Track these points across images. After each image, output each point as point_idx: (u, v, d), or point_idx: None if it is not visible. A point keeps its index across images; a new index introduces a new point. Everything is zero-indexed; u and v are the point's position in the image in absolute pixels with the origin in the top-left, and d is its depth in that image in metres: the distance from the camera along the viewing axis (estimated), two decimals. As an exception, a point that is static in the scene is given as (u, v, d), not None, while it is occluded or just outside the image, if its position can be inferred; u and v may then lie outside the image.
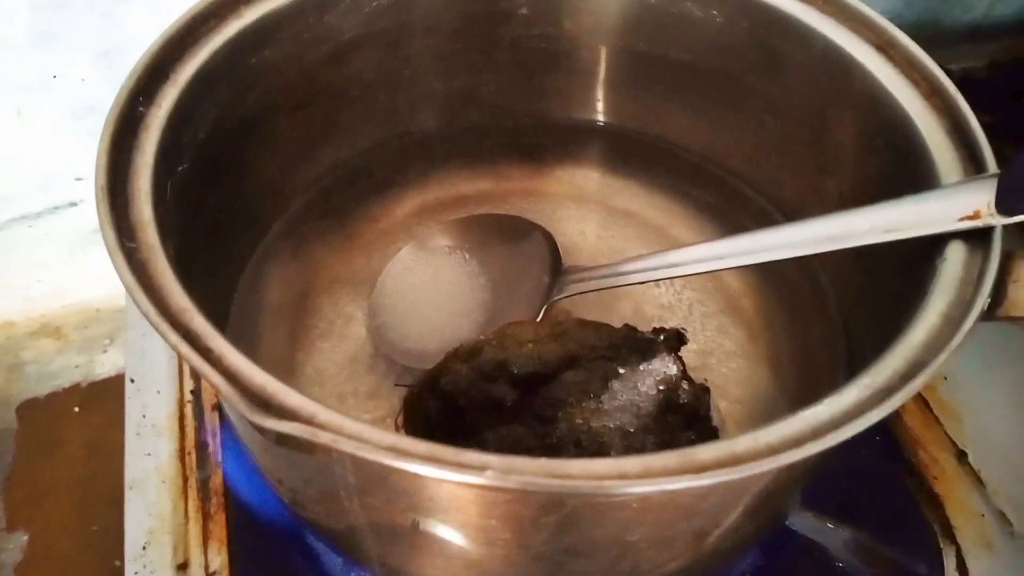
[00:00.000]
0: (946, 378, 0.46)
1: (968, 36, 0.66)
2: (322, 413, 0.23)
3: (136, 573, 0.39)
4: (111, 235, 0.27)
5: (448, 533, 0.27)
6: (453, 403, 0.34)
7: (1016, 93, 0.61)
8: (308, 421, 0.23)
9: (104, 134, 0.30)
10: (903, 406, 0.44)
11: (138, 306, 0.25)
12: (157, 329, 0.25)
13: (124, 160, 0.30)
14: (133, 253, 0.27)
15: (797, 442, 0.23)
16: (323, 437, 0.22)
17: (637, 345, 0.35)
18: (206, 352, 0.25)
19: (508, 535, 0.26)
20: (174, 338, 0.24)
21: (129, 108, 0.31)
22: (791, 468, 0.26)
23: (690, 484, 0.22)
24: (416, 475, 0.24)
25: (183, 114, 0.33)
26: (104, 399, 0.67)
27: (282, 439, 0.23)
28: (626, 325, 0.37)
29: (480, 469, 0.22)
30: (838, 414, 0.24)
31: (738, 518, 0.29)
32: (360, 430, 0.23)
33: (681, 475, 0.22)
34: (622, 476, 0.22)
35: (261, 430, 0.23)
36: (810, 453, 0.23)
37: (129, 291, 0.25)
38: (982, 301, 0.27)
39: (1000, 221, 0.28)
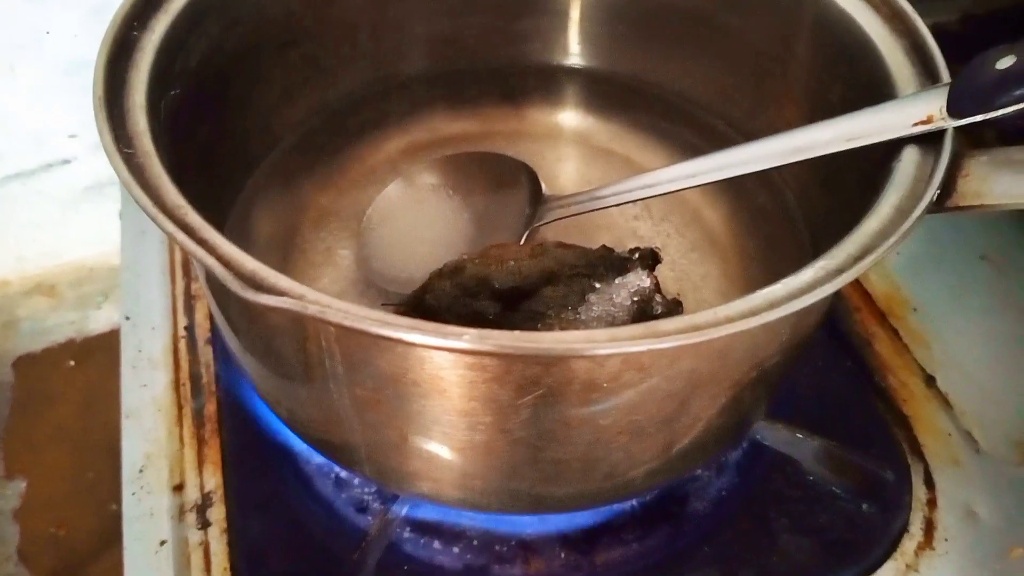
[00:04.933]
0: (916, 309, 0.48)
1: (941, -10, 0.68)
2: (310, 293, 0.25)
3: (134, 494, 0.41)
4: (109, 140, 0.28)
5: (432, 421, 0.29)
6: (437, 318, 0.36)
7: (987, 45, 0.62)
8: (298, 299, 0.24)
9: (101, 51, 0.31)
10: (875, 335, 0.46)
11: (136, 200, 0.26)
12: (155, 220, 0.26)
13: (120, 77, 0.32)
14: (130, 157, 0.28)
15: (754, 312, 0.24)
16: (311, 308, 0.24)
17: (613, 263, 0.37)
18: (201, 242, 0.26)
19: (489, 418, 0.28)
20: (171, 227, 0.26)
21: (124, 30, 0.33)
22: (754, 348, 0.28)
23: (652, 346, 0.23)
24: (400, 353, 0.26)
25: (174, 41, 0.35)
26: (98, 354, 0.69)
27: (272, 320, 0.25)
28: (603, 246, 0.38)
29: (459, 336, 0.23)
30: (794, 290, 0.26)
31: (706, 408, 0.30)
32: (346, 306, 0.24)
33: (644, 339, 0.23)
34: (590, 341, 0.23)
35: (254, 309, 0.24)
36: (764, 321, 0.24)
37: (127, 187, 0.27)
38: (932, 191, 0.28)
39: (951, 124, 0.30)
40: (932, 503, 0.41)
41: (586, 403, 0.28)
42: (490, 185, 0.44)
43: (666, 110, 0.47)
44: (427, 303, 0.36)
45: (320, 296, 0.25)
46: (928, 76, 0.34)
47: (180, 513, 0.40)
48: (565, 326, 0.35)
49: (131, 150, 0.29)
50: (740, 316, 0.24)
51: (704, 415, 0.31)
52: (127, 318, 0.47)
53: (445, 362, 0.26)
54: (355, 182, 0.46)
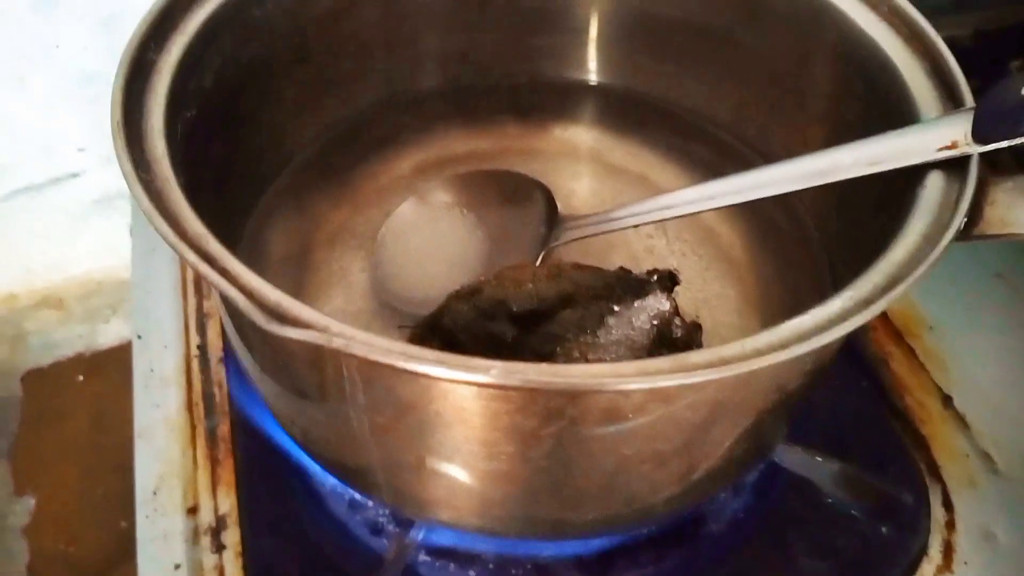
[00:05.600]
0: (932, 328, 0.48)
1: (953, 6, 0.68)
2: (334, 325, 0.24)
3: (147, 516, 0.40)
4: (128, 166, 0.28)
5: (453, 450, 0.29)
6: (454, 341, 0.36)
7: (999, 60, 0.62)
8: (323, 331, 0.24)
9: (118, 75, 0.31)
10: (891, 354, 0.46)
11: (157, 230, 0.26)
12: (176, 249, 0.26)
13: (137, 100, 0.31)
14: (149, 184, 0.28)
15: (782, 345, 0.24)
16: (336, 342, 0.23)
17: (631, 285, 0.36)
18: (223, 272, 0.26)
19: (511, 448, 0.28)
20: (193, 258, 0.25)
21: (141, 52, 0.33)
22: (776, 381, 0.28)
23: (681, 381, 0.23)
24: (423, 385, 0.26)
25: (190, 62, 0.34)
26: (107, 368, 0.68)
27: (293, 351, 0.24)
28: (621, 267, 0.38)
29: (485, 370, 0.23)
30: (822, 321, 0.25)
31: (728, 436, 0.30)
32: (371, 338, 0.24)
33: (673, 373, 0.23)
34: (619, 375, 0.23)
35: (276, 341, 0.24)
36: (793, 355, 0.24)
37: (148, 217, 0.26)
38: (959, 219, 0.28)
39: (976, 149, 0.30)
40: (951, 525, 0.41)
41: (610, 433, 0.27)
42: (505, 204, 0.44)
43: (681, 128, 0.47)
44: (444, 325, 0.36)
45: (344, 328, 0.24)
46: (949, 99, 0.33)
47: (194, 536, 0.40)
48: (584, 350, 0.34)
49: (150, 176, 0.29)
50: (769, 349, 0.24)
51: (726, 442, 0.31)
52: (139, 336, 0.47)
53: (469, 394, 0.26)
54: (369, 199, 0.46)
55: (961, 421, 0.44)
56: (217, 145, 0.38)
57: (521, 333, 0.35)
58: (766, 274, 0.43)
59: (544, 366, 0.23)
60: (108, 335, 0.70)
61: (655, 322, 0.35)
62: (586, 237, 0.40)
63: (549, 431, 0.27)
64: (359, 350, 0.23)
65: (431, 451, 0.29)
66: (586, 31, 0.47)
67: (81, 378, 0.68)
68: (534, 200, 0.43)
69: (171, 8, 0.34)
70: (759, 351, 0.24)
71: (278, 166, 0.44)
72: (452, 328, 0.36)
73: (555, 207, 0.43)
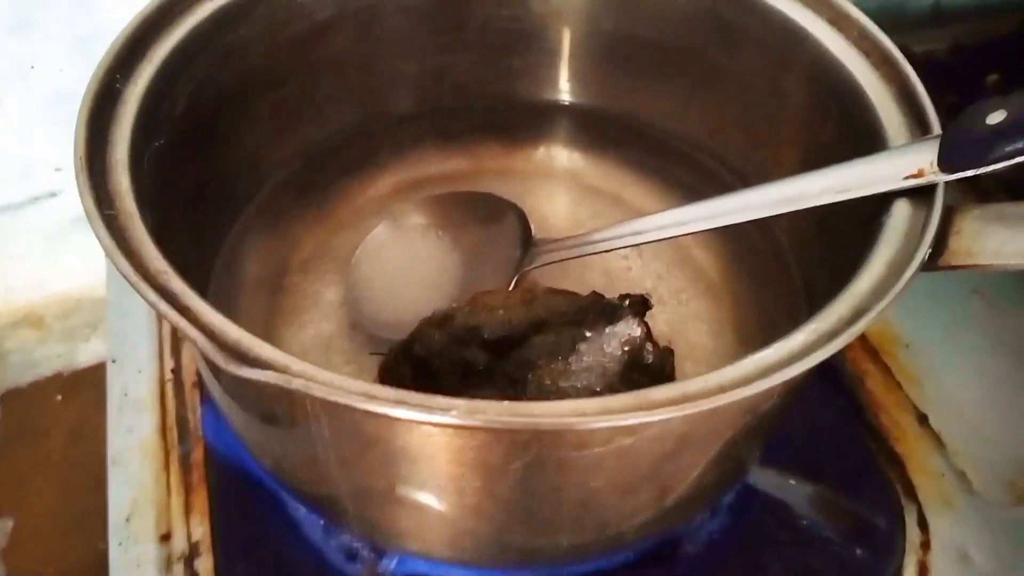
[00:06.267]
0: (908, 345, 0.48)
1: (931, 20, 0.68)
2: (295, 364, 0.24)
3: (120, 543, 0.40)
4: (90, 202, 0.28)
5: (420, 483, 0.28)
6: (427, 368, 0.35)
7: (977, 74, 0.63)
8: (282, 371, 0.24)
9: (83, 107, 0.31)
10: (867, 372, 0.46)
11: (117, 268, 0.26)
12: (136, 288, 0.26)
13: (102, 133, 0.31)
14: (112, 220, 0.28)
15: (745, 381, 0.24)
16: (296, 383, 0.23)
17: (604, 310, 0.36)
18: (184, 310, 0.26)
19: (478, 483, 0.27)
20: (152, 296, 0.25)
21: (106, 84, 0.32)
22: (745, 411, 0.28)
23: (643, 420, 0.23)
24: (386, 423, 0.25)
25: (159, 90, 0.34)
26: (86, 387, 0.68)
27: (257, 387, 0.24)
28: (593, 292, 0.38)
29: (446, 410, 0.23)
30: (785, 356, 0.25)
31: (698, 465, 0.30)
32: (331, 378, 0.24)
33: (635, 412, 0.23)
34: (581, 414, 0.23)
35: (237, 380, 0.24)
36: (756, 391, 0.24)
37: (108, 254, 0.26)
38: (924, 251, 0.28)
39: (942, 178, 0.30)
40: (926, 546, 0.41)
41: (577, 466, 0.27)
42: (479, 226, 0.44)
43: (657, 148, 0.47)
44: (416, 352, 0.36)
45: (305, 367, 0.24)
46: (918, 124, 0.33)
47: (168, 564, 0.39)
48: (556, 376, 0.34)
49: (112, 211, 0.28)
50: (732, 385, 0.24)
51: (698, 469, 0.31)
52: (113, 361, 0.46)
53: (432, 431, 0.25)
54: (343, 222, 0.46)
55: (937, 440, 0.44)
56: (189, 171, 0.37)
57: (493, 359, 0.35)
58: (742, 295, 0.43)
59: (505, 404, 0.23)
60: (87, 354, 0.70)
61: (626, 348, 0.35)
62: (559, 261, 0.40)
63: (515, 466, 0.27)
64: (319, 391, 0.23)
65: (398, 484, 0.29)
66: (560, 52, 0.47)
67: (60, 398, 0.68)
68: (508, 222, 0.43)
69: (139, 37, 0.34)
70: (722, 387, 0.24)
71: (253, 188, 0.44)
72: (424, 355, 0.35)
73: (529, 229, 0.43)
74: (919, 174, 0.30)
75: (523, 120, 0.49)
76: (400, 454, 0.27)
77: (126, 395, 0.45)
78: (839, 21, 0.38)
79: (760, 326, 0.42)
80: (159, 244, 0.28)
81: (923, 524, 0.41)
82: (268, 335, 0.41)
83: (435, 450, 0.26)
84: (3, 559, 0.59)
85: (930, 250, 0.28)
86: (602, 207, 0.47)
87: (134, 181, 0.30)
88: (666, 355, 0.36)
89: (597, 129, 0.49)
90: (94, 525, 0.60)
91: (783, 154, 0.42)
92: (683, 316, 0.43)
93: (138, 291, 0.25)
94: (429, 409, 0.23)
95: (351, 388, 0.23)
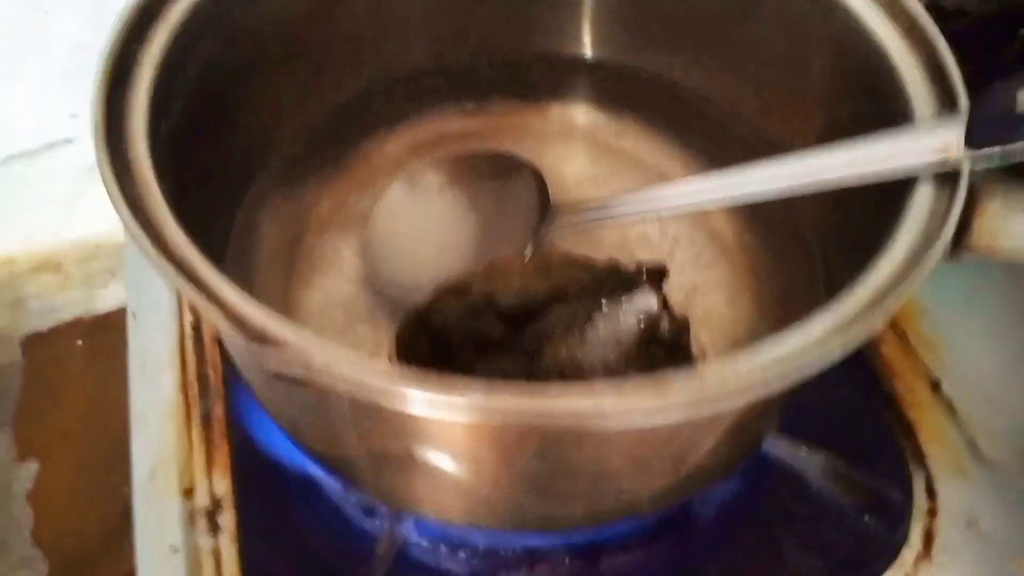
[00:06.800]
0: (926, 310, 0.48)
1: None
2: (318, 349, 0.24)
3: (144, 499, 0.41)
4: (108, 173, 0.28)
5: (438, 458, 0.29)
6: (443, 338, 0.36)
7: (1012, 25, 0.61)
8: (306, 357, 0.24)
9: (100, 72, 0.31)
10: (883, 338, 0.46)
11: (137, 243, 0.26)
12: (157, 267, 0.26)
13: (119, 99, 0.31)
14: (130, 189, 0.28)
15: (763, 373, 0.24)
16: (321, 377, 0.23)
17: (620, 280, 0.37)
18: (206, 288, 0.26)
19: (494, 457, 0.28)
20: (174, 276, 0.25)
21: (123, 46, 0.32)
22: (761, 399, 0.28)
23: (661, 421, 0.23)
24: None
25: (174, 59, 0.34)
26: (107, 332, 0.69)
27: (282, 376, 0.25)
28: (610, 259, 0.38)
29: (466, 400, 0.23)
30: (805, 345, 0.25)
31: (713, 444, 0.30)
32: (354, 369, 0.24)
33: (653, 409, 0.23)
34: (599, 412, 0.23)
35: (262, 368, 0.24)
36: (779, 386, 0.24)
37: (128, 229, 0.26)
38: (946, 236, 0.28)
39: (968, 156, 0.29)
40: (932, 512, 0.41)
41: (593, 447, 0.28)
42: (497, 186, 0.43)
43: (678, 109, 0.46)
44: (433, 323, 0.36)
45: (328, 353, 0.24)
46: (945, 96, 0.33)
47: (191, 519, 0.40)
48: (571, 348, 0.35)
49: (130, 180, 0.28)
50: (750, 377, 0.24)
51: (714, 444, 0.31)
52: (133, 315, 0.47)
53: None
54: (360, 183, 0.45)
55: (949, 407, 0.44)
56: (204, 141, 0.37)
57: (509, 330, 0.35)
58: (759, 262, 0.43)
59: (524, 400, 0.23)
60: (107, 299, 0.71)
61: (643, 321, 0.35)
62: (578, 228, 0.40)
63: (531, 443, 0.27)
64: (344, 387, 0.23)
65: (416, 458, 0.29)
66: (580, 7, 0.46)
67: (80, 343, 0.68)
68: (526, 184, 0.43)
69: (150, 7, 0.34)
70: (740, 380, 0.24)
71: (269, 153, 0.43)
72: (441, 325, 0.36)
73: (547, 191, 0.42)
74: (945, 150, 0.29)
75: (541, 78, 0.48)
76: (419, 433, 0.27)
77: (147, 350, 0.45)
78: (870, -17, 0.37)
79: (776, 293, 0.42)
80: (177, 212, 0.28)
81: (931, 492, 0.42)
82: (287, 296, 0.41)
83: (453, 432, 0.27)
84: (30, 501, 0.60)
85: (953, 234, 0.28)
86: (620, 166, 0.47)
87: (152, 150, 0.30)
88: (682, 326, 0.36)
89: (617, 86, 0.48)
90: (118, 468, 0.61)
91: (807, 118, 0.41)
92: (700, 282, 0.43)
93: (159, 270, 0.26)
94: (452, 407, 0.23)
95: (375, 386, 0.23)
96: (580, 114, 0.48)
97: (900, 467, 0.42)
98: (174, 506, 0.41)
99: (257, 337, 0.25)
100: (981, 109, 0.29)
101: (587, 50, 0.48)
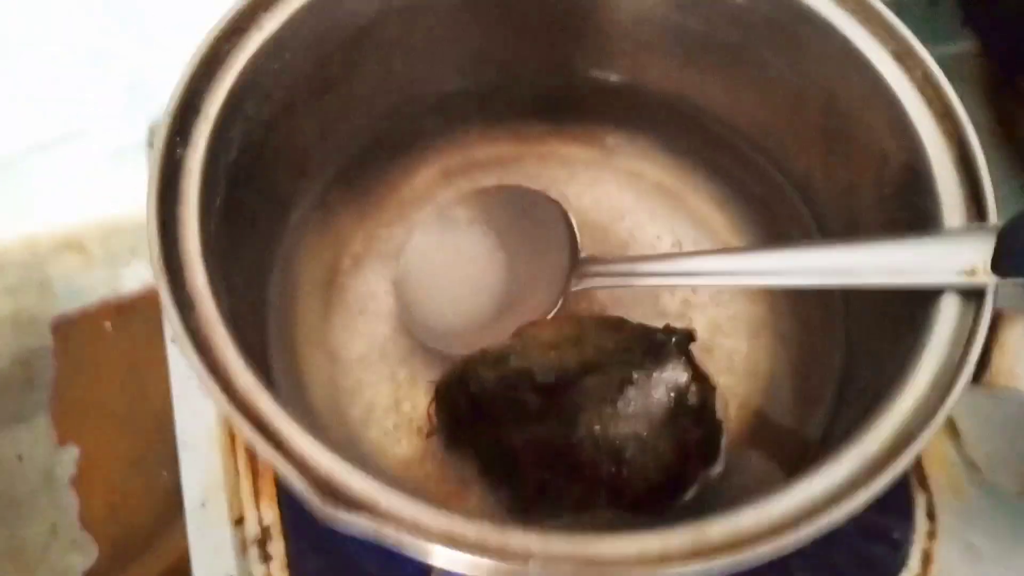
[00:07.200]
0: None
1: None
2: (383, 499, 0.27)
3: (198, 528, 0.44)
4: (175, 317, 0.29)
5: None
6: (480, 403, 0.38)
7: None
8: (372, 508, 0.26)
9: (150, 191, 0.31)
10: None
11: (211, 397, 0.28)
12: (232, 421, 0.27)
13: (171, 216, 0.32)
14: (197, 332, 0.29)
15: (796, 521, 0.27)
16: (387, 531, 0.26)
17: (650, 347, 0.38)
18: (275, 438, 0.27)
19: None
20: (249, 433, 0.27)
21: (169, 155, 0.32)
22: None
23: (701, 567, 0.26)
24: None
25: (217, 147, 0.34)
26: (134, 316, 0.70)
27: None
28: (640, 324, 0.39)
29: (524, 560, 0.25)
30: (833, 489, 0.27)
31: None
32: (416, 516, 0.26)
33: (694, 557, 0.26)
34: (643, 560, 0.26)
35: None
36: (810, 531, 0.26)
37: (202, 383, 0.28)
38: (969, 369, 0.29)
39: (993, 281, 0.30)
40: (932, 535, 0.44)
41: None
42: (526, 225, 0.44)
43: (706, 137, 0.47)
44: (471, 390, 0.38)
45: (392, 502, 0.26)
46: (973, 199, 0.33)
47: (243, 547, 0.43)
48: (604, 422, 0.37)
49: (194, 318, 0.30)
50: (783, 524, 0.26)
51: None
52: (173, 342, 0.48)
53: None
54: (391, 215, 0.46)
55: (951, 428, 0.47)
56: (247, 196, 0.38)
57: (545, 401, 0.37)
58: (779, 299, 0.44)
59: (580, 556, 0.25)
60: (131, 279, 0.72)
61: (672, 394, 0.37)
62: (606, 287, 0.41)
63: None
64: (407, 540, 0.26)
65: None
66: (610, 30, 0.45)
67: (109, 325, 0.70)
68: (555, 226, 0.44)
69: (191, 92, 0.34)
70: (775, 529, 0.26)
71: (300, 192, 0.44)
72: (478, 395, 0.38)
73: (575, 237, 0.43)
74: (972, 272, 0.31)
75: (569, 101, 0.48)
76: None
77: (189, 378, 0.47)
78: (903, 57, 0.37)
79: (797, 333, 0.44)
80: (233, 327, 0.30)
81: (931, 514, 0.45)
82: (325, 342, 0.43)
83: None
84: (74, 486, 0.63)
85: (975, 366, 0.30)
86: (644, 195, 0.47)
87: (208, 274, 0.31)
88: (708, 393, 0.38)
89: (645, 113, 0.48)
90: (157, 452, 0.64)
91: (833, 171, 0.42)
92: (720, 319, 0.44)
93: (234, 424, 0.27)
94: (505, 556, 0.25)
95: (435, 532, 0.26)
96: (605, 139, 0.49)
97: (902, 489, 0.45)
98: (226, 535, 0.44)
99: (327, 490, 0.27)
100: (1007, 236, 0.30)
101: (617, 76, 0.48)
